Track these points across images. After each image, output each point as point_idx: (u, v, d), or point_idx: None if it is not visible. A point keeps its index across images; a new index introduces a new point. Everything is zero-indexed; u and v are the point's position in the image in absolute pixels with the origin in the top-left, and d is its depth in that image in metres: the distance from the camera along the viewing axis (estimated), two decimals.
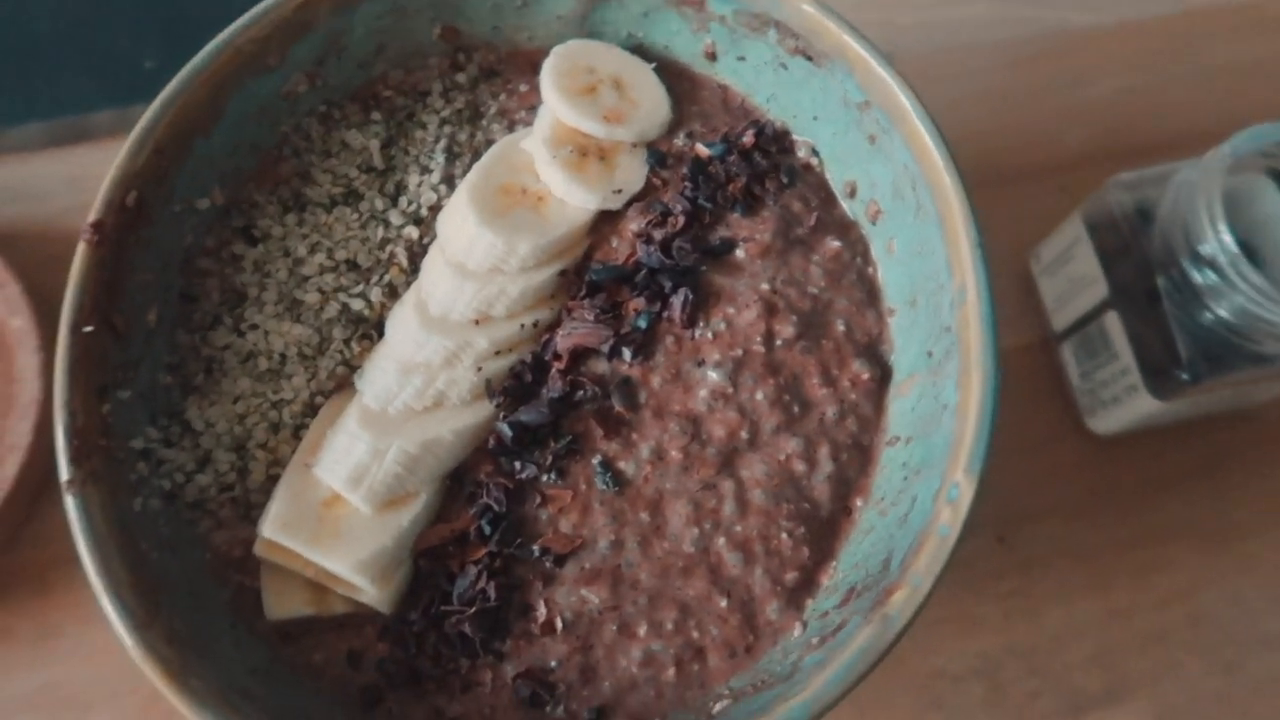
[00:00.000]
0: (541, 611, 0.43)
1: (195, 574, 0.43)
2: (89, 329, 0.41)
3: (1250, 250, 0.53)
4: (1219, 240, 0.48)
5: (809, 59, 0.48)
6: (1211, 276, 0.49)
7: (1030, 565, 0.59)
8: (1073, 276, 0.58)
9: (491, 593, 0.43)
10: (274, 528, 0.42)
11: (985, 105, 0.68)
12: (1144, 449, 0.60)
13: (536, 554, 0.44)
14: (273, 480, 0.44)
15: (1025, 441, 0.61)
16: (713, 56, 0.52)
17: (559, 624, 0.43)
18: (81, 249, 0.41)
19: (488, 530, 0.44)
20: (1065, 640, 0.57)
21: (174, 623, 0.39)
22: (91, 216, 0.42)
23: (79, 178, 0.65)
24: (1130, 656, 0.57)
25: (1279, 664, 0.57)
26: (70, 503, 0.38)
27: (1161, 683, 0.57)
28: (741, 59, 0.51)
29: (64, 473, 0.39)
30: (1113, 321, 0.55)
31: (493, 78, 0.53)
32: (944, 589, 0.52)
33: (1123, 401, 0.56)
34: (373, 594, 0.42)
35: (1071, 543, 0.59)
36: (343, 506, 0.43)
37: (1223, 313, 0.49)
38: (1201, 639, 0.57)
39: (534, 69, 0.52)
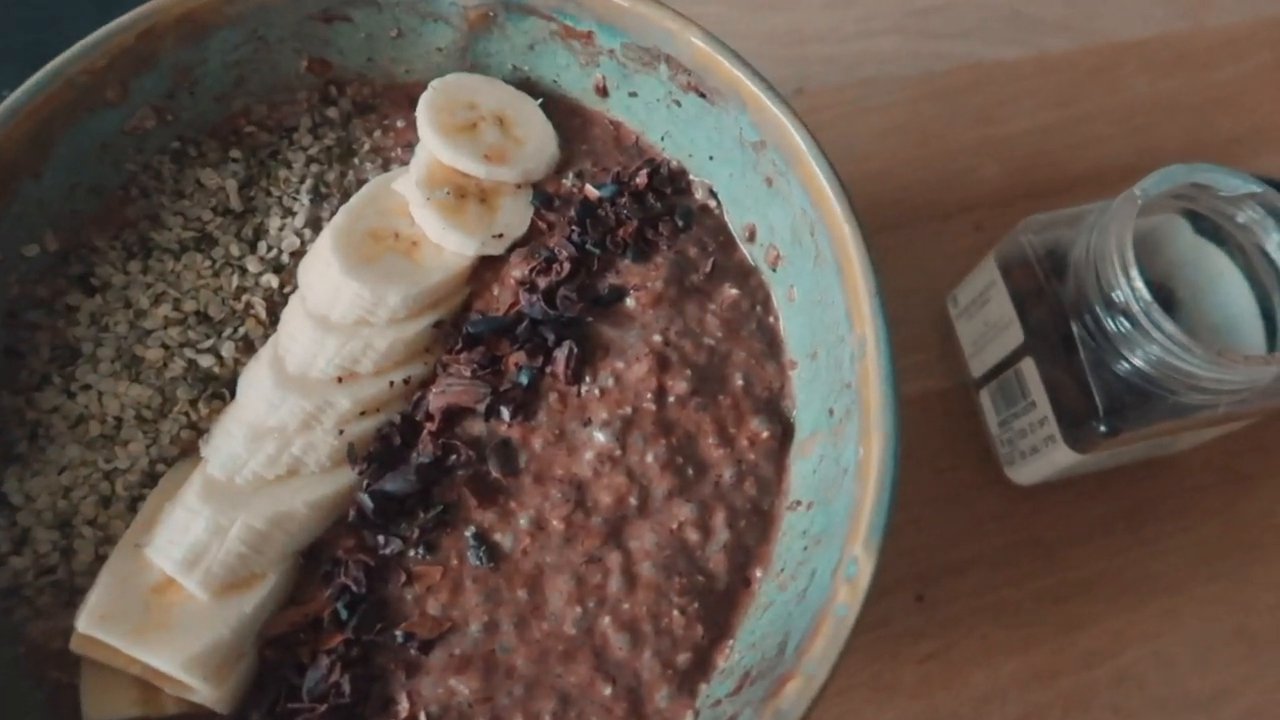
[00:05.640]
0: (404, 706, 0.39)
1: (6, 672, 0.37)
2: None
3: (1166, 293, 0.51)
4: (1131, 288, 0.45)
5: (702, 95, 0.45)
6: (1125, 324, 0.46)
7: (950, 624, 0.56)
8: (989, 321, 0.56)
9: (346, 686, 0.38)
10: (91, 621, 0.37)
11: (896, 140, 0.66)
12: (1065, 498, 0.58)
13: (400, 640, 0.39)
14: (102, 561, 0.39)
15: (944, 491, 0.58)
16: (603, 92, 0.49)
17: (423, 719, 0.39)
18: None
19: (345, 614, 0.39)
20: (988, 705, 0.54)
21: None
22: None
23: None
24: None
25: None
26: None
27: None
28: (634, 94, 0.48)
29: None
30: (1029, 369, 0.53)
31: (367, 113, 0.49)
32: (858, 652, 0.49)
33: (1041, 452, 0.53)
34: (207, 693, 0.37)
35: (993, 599, 0.56)
36: (176, 593, 0.38)
37: (1138, 362, 0.47)
38: (1127, 701, 0.55)
39: (412, 104, 0.48)
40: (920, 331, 0.61)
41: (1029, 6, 0.71)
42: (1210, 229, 0.51)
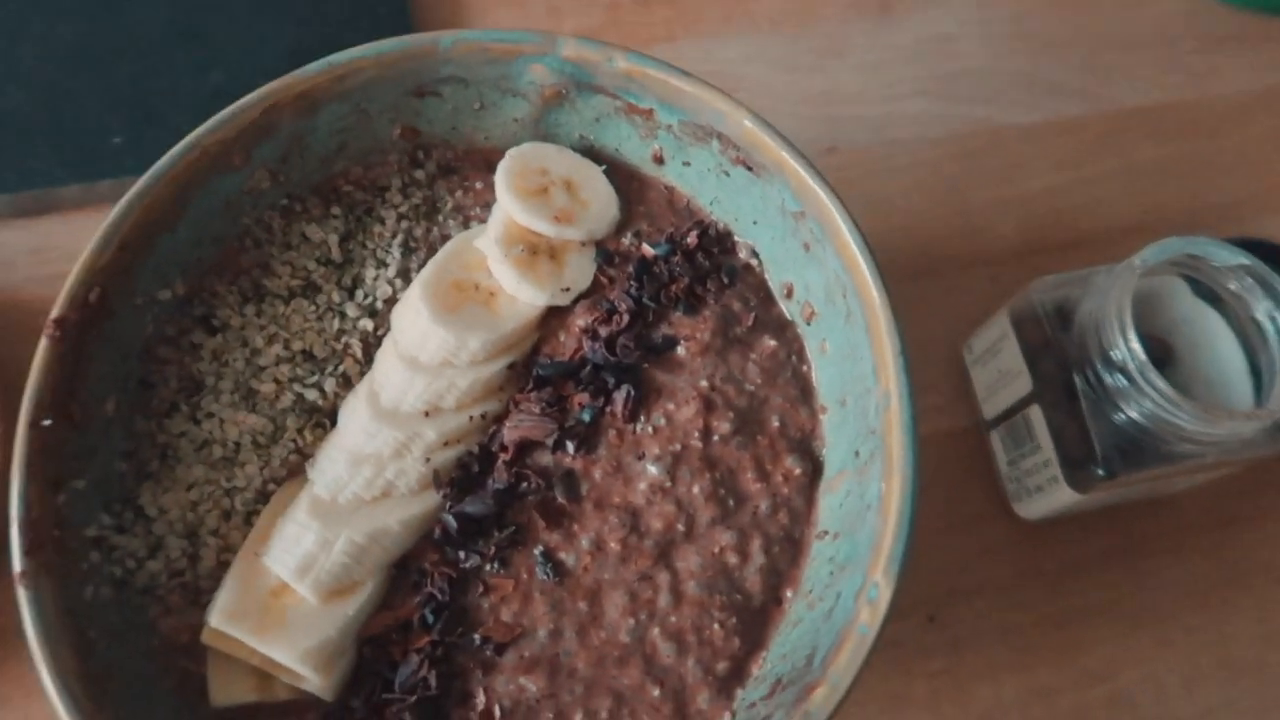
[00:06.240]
0: (481, 700, 0.45)
1: (142, 660, 0.44)
2: (47, 422, 0.42)
3: (1165, 348, 0.57)
4: (1128, 348, 0.51)
5: (749, 169, 0.51)
6: (1122, 380, 0.52)
7: (959, 644, 0.61)
8: (1001, 369, 0.62)
9: (433, 681, 0.44)
10: (221, 618, 0.43)
11: (919, 197, 0.72)
12: (1068, 533, 0.63)
13: (477, 643, 0.45)
14: (223, 566, 0.46)
15: (956, 522, 0.64)
16: (660, 160, 0.55)
17: (497, 712, 0.45)
18: (43, 345, 0.43)
19: (431, 619, 0.45)
20: (991, 719, 0.60)
21: (120, 710, 0.40)
22: (54, 313, 0.43)
23: (42, 248, 0.67)
24: None
25: None
26: (22, 595, 0.40)
27: None
28: (687, 164, 0.54)
29: (17, 564, 0.40)
30: (1036, 415, 0.58)
31: (450, 174, 0.55)
32: (874, 668, 0.55)
33: (1046, 491, 0.59)
34: (316, 682, 0.43)
35: (999, 621, 0.62)
36: (290, 596, 0.44)
37: (1134, 414, 0.52)
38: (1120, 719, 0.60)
39: (489, 166, 0.54)
40: (938, 375, 0.67)
41: (1048, 73, 0.76)
42: (1206, 292, 0.57)
